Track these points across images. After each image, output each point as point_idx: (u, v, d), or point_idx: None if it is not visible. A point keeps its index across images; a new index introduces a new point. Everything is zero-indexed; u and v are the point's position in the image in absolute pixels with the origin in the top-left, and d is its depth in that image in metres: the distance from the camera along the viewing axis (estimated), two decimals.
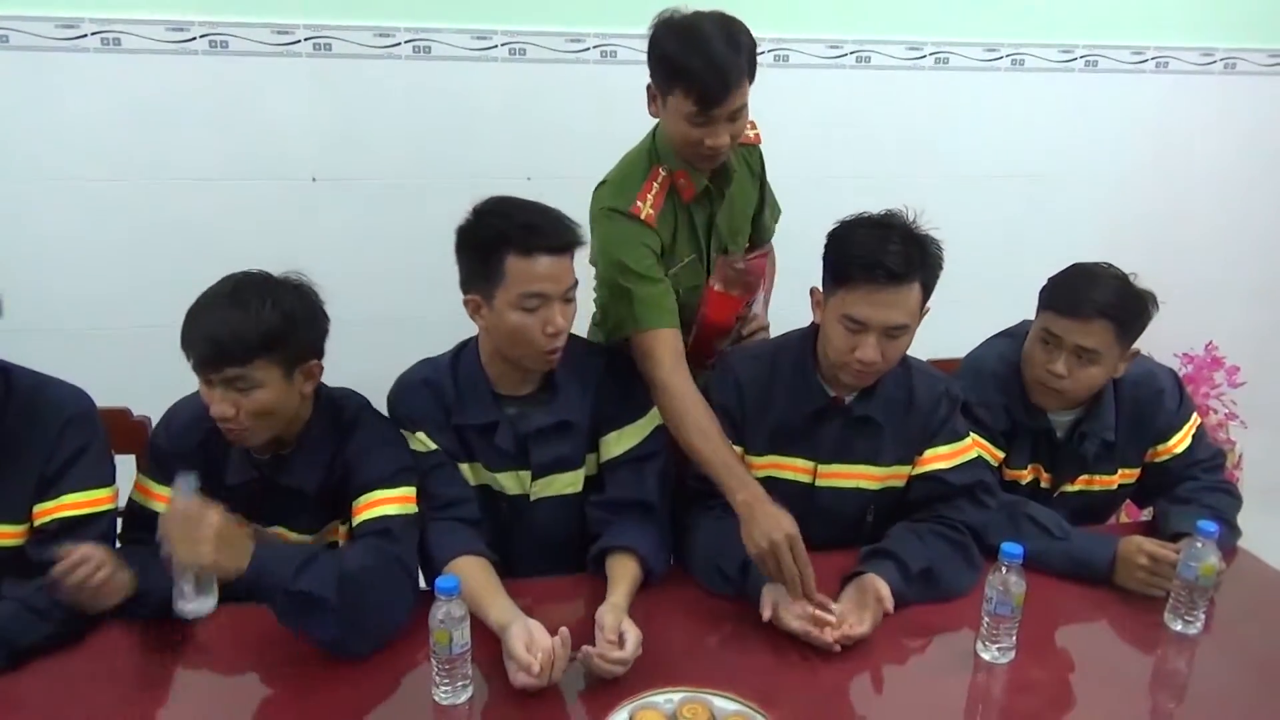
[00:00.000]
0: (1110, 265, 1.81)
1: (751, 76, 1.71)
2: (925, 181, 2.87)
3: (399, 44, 2.52)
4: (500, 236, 1.58)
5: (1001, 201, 3.05)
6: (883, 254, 1.58)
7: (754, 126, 1.98)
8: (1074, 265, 1.83)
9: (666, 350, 1.73)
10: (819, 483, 1.77)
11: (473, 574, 1.55)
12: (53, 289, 2.49)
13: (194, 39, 2.42)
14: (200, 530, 1.34)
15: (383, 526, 1.58)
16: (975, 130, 2.98)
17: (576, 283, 1.63)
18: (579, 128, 2.64)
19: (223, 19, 2.42)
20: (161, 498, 1.60)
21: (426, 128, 2.60)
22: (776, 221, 2.17)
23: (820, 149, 2.85)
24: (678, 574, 1.72)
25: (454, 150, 2.63)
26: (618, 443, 1.74)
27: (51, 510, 1.53)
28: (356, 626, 1.46)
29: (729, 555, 1.62)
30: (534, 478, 1.72)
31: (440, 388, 1.70)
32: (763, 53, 2.58)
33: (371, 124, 2.58)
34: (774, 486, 1.72)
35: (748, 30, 1.72)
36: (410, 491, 1.63)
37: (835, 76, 2.82)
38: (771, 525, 1.51)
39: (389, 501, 1.60)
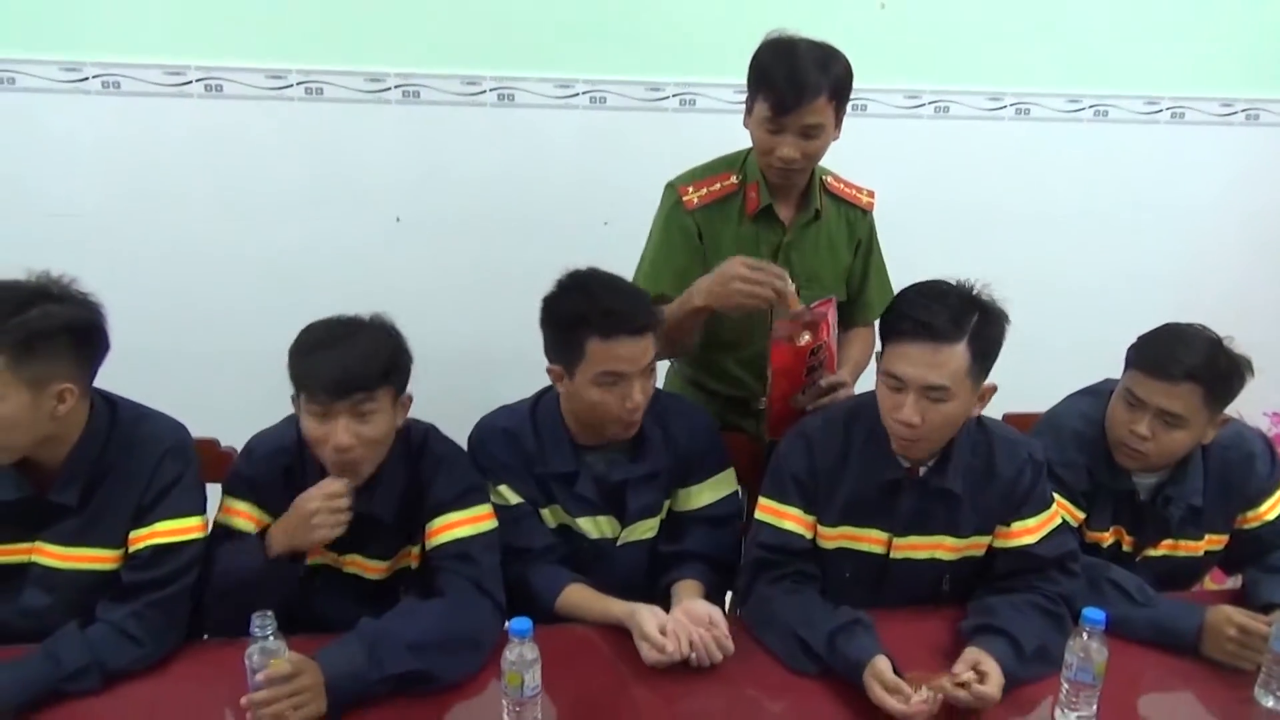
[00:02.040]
0: (1203, 327, 1.75)
1: (835, 100, 1.78)
2: (1002, 234, 2.88)
3: (484, 91, 2.60)
4: (581, 319, 1.63)
5: (1082, 253, 3.00)
6: (927, 311, 1.56)
7: (871, 194, 2.05)
8: (1165, 325, 1.78)
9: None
10: (894, 554, 1.72)
11: (581, 592, 1.66)
12: (139, 312, 2.59)
13: (290, 85, 2.54)
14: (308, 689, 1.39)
15: (460, 550, 1.64)
16: (1055, 181, 2.94)
17: (657, 353, 1.67)
18: (656, 174, 2.68)
19: (318, 67, 2.53)
20: (243, 514, 1.65)
21: (507, 172, 2.66)
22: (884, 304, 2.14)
23: (896, 199, 2.84)
24: None
25: (534, 194, 2.69)
26: (696, 496, 1.77)
27: (145, 537, 1.58)
28: (449, 671, 1.53)
29: (815, 627, 1.59)
30: (625, 524, 1.77)
31: (520, 436, 1.75)
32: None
33: (455, 167, 2.65)
34: (846, 558, 1.72)
35: (845, 61, 1.80)
36: (484, 509, 1.70)
37: (914, 126, 2.82)
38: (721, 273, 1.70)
39: (463, 523, 1.67)
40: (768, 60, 1.77)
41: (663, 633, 1.53)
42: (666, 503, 1.81)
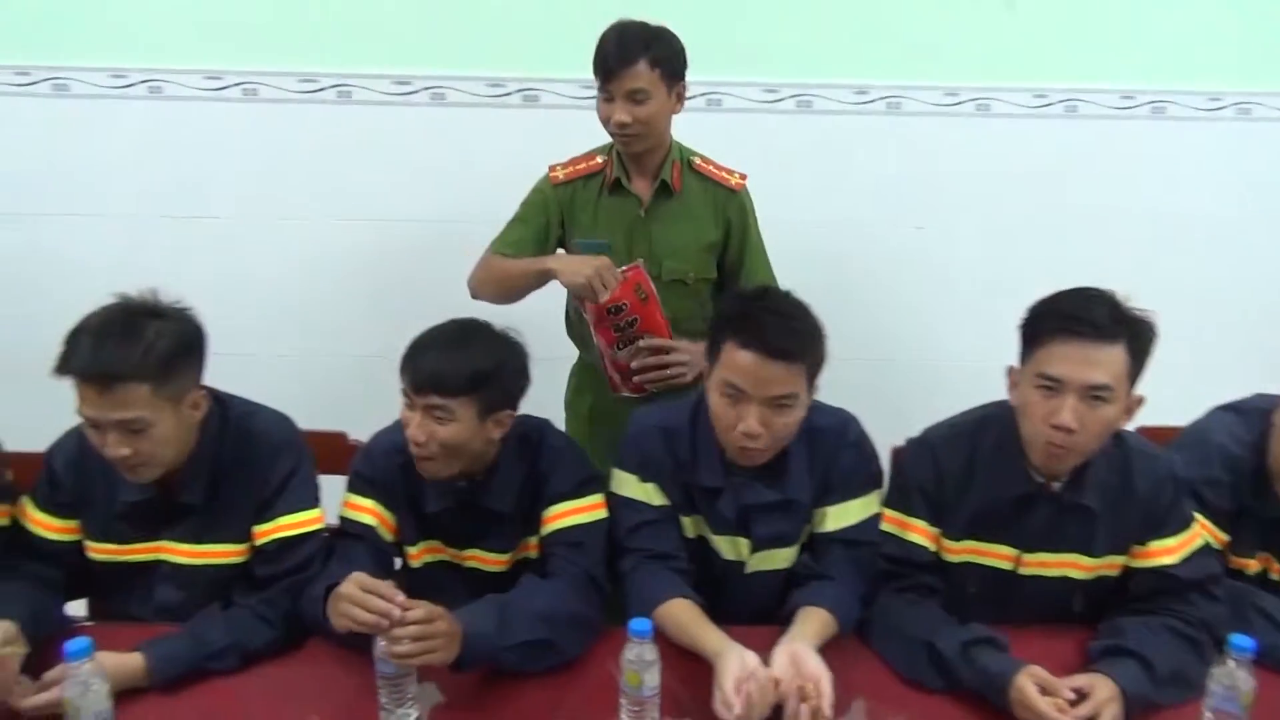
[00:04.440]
0: None
1: (660, 68, 1.94)
2: (1128, 237, 2.77)
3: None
4: (727, 321, 1.62)
5: (1217, 259, 2.84)
6: (1085, 309, 1.50)
7: (743, 177, 2.16)
8: None
9: (481, 263, 2.13)
10: (1022, 570, 1.66)
11: (682, 611, 1.59)
12: (255, 315, 2.73)
13: (416, 92, 2.63)
14: (436, 638, 1.41)
15: (574, 539, 1.67)
16: (1193, 182, 2.80)
17: (795, 396, 1.58)
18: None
19: (441, 72, 2.62)
20: (367, 509, 1.70)
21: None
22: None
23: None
24: None
25: None
26: (835, 518, 1.70)
27: (270, 531, 1.65)
28: (571, 646, 1.58)
29: (946, 637, 1.54)
30: (753, 550, 1.72)
31: (677, 438, 1.72)
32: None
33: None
34: (971, 573, 1.66)
35: (670, 37, 1.99)
36: (597, 499, 1.72)
37: (1040, 126, 2.73)
38: (576, 265, 1.93)
39: (577, 512, 1.69)
40: (600, 39, 1.97)
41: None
42: (807, 528, 1.74)
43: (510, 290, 2.09)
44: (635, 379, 2.08)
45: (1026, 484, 1.62)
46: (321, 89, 2.64)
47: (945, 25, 2.64)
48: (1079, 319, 1.49)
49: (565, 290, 2.06)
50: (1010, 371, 1.63)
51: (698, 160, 2.14)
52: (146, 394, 1.47)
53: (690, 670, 1.52)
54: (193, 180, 2.69)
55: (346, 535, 1.71)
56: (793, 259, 2.67)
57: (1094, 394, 1.49)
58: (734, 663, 1.43)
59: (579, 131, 2.26)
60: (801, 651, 1.45)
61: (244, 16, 2.57)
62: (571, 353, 2.30)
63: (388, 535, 1.71)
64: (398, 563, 1.77)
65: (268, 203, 2.71)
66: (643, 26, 1.98)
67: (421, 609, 1.40)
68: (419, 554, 1.74)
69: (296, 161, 2.68)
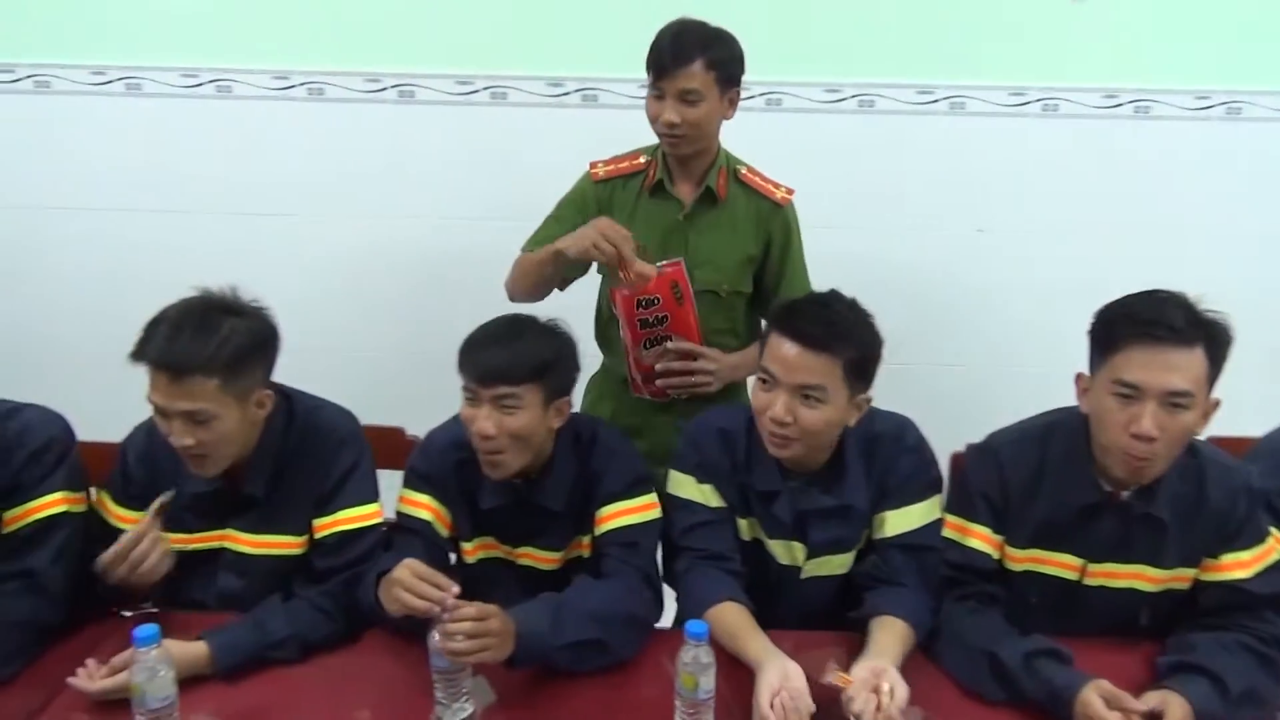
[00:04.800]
0: None
1: (715, 71, 1.87)
2: (1198, 243, 2.68)
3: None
4: (775, 317, 1.63)
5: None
6: (1160, 312, 1.46)
7: (789, 191, 2.07)
8: None
9: (514, 262, 2.03)
10: (1087, 581, 1.62)
11: (731, 615, 1.58)
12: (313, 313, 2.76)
13: (477, 91, 2.65)
14: (492, 633, 1.42)
15: (627, 539, 1.67)
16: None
17: (824, 390, 1.56)
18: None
19: (503, 72, 2.64)
20: (423, 505, 1.71)
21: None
22: None
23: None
24: None
25: None
26: (895, 523, 1.68)
27: (329, 525, 1.68)
28: (624, 647, 1.59)
29: (1008, 647, 1.50)
30: (809, 556, 1.70)
31: (734, 440, 1.72)
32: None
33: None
34: (1034, 582, 1.62)
35: (730, 40, 1.91)
36: (650, 499, 1.72)
37: (1110, 127, 2.66)
38: (582, 231, 1.80)
39: (630, 512, 1.69)
40: (657, 35, 1.90)
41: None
42: (865, 534, 1.72)
43: (533, 284, 1.99)
44: (658, 382, 2.03)
45: (1095, 493, 1.58)
46: (383, 88, 2.68)
47: (1012, 24, 2.59)
48: (1155, 323, 1.45)
49: (599, 289, 2.04)
50: (1079, 378, 1.59)
51: (744, 170, 2.07)
52: (214, 388, 1.51)
53: (744, 675, 1.51)
54: (218, 175, 2.76)
55: (402, 530, 1.72)
56: (851, 260, 2.65)
57: (1173, 400, 1.45)
58: (773, 674, 1.42)
59: (639, 131, 2.27)
60: (884, 671, 1.42)
61: (311, 17, 2.62)
62: (589, 365, 2.24)
63: (443, 530, 1.73)
64: (452, 558, 1.79)
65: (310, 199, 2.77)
66: (702, 26, 1.91)
67: (475, 606, 1.41)
68: (474, 550, 1.76)
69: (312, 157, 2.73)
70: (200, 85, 2.67)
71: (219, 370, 1.51)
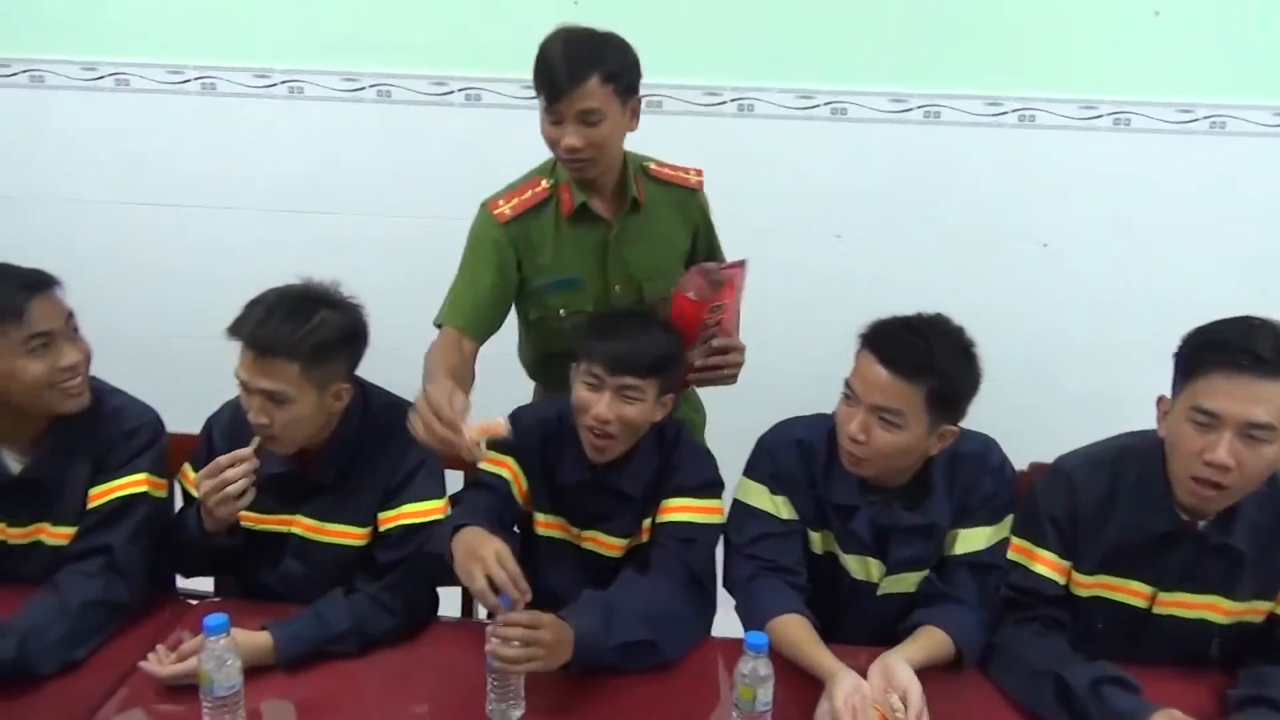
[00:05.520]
0: None
1: (613, 83, 1.69)
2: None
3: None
4: (864, 338, 1.62)
5: None
6: (1248, 340, 1.41)
7: (699, 173, 1.98)
8: None
9: (441, 341, 1.77)
10: (1157, 610, 1.58)
11: (796, 628, 1.57)
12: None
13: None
14: (543, 644, 1.42)
15: (686, 535, 1.69)
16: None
17: (900, 414, 1.54)
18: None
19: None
20: (505, 465, 1.73)
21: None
22: None
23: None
24: None
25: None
26: (964, 541, 1.66)
27: (393, 518, 1.70)
28: (674, 647, 1.60)
29: (1074, 671, 1.48)
30: (886, 573, 1.68)
31: (812, 452, 1.71)
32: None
33: None
34: (1101, 608, 1.60)
35: (620, 45, 1.73)
36: (715, 504, 1.73)
37: (1185, 143, 2.60)
38: (431, 388, 1.48)
39: (696, 510, 1.71)
40: (541, 50, 1.71)
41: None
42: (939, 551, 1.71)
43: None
44: (690, 377, 1.90)
45: (1171, 521, 1.54)
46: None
47: (1084, 36, 2.54)
48: (1242, 350, 1.40)
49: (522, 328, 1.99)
50: (1160, 401, 1.55)
51: (653, 166, 1.94)
52: (295, 372, 1.56)
53: (800, 687, 1.50)
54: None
55: (478, 484, 1.74)
56: (916, 271, 2.65)
57: (1253, 432, 1.40)
58: (848, 684, 1.42)
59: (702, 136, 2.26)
60: (892, 664, 1.45)
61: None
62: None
63: (518, 495, 1.74)
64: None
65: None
66: (590, 36, 1.72)
67: (527, 615, 1.42)
68: (546, 525, 1.78)
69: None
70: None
71: (302, 356, 1.56)
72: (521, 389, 2.10)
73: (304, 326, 1.57)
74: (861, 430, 1.56)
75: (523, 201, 1.84)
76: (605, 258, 1.89)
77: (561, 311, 1.89)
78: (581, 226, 1.87)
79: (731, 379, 1.92)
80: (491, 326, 1.85)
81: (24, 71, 2.79)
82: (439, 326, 1.81)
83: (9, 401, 1.61)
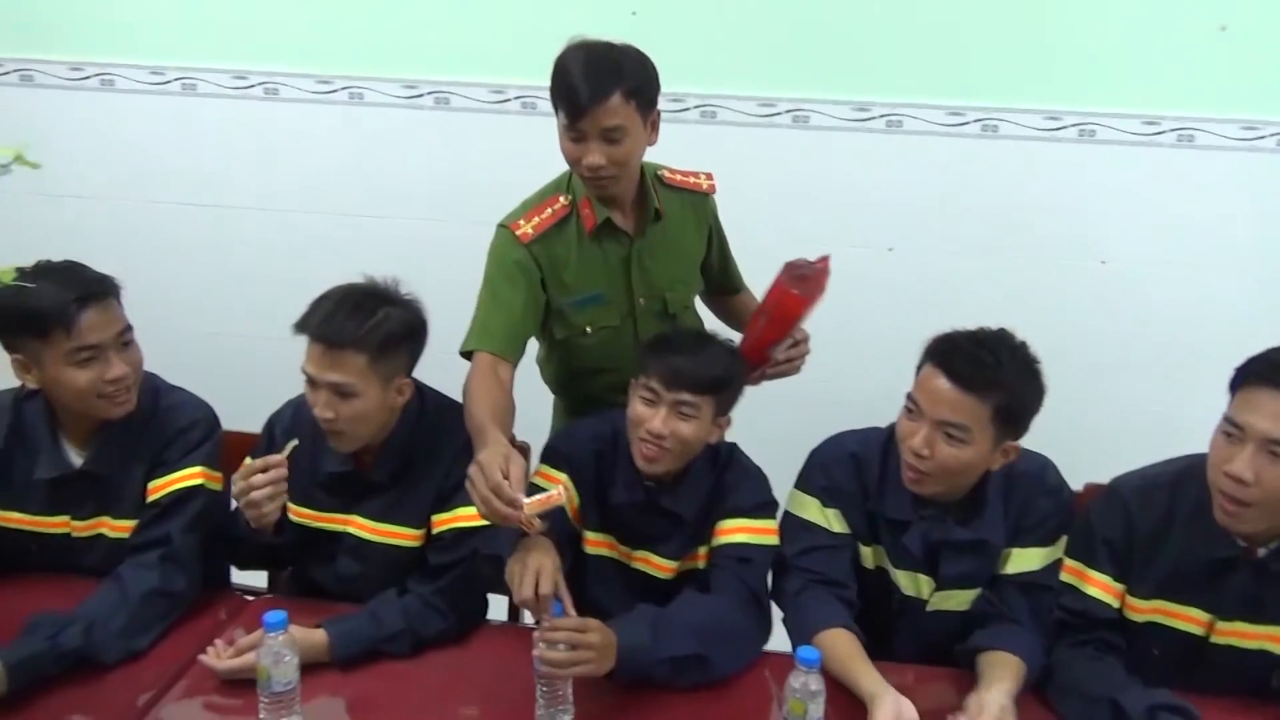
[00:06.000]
0: None
1: (635, 99, 1.67)
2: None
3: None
4: (931, 351, 1.60)
5: None
6: None
7: (710, 177, 1.96)
8: None
9: (477, 369, 1.72)
10: (1215, 639, 1.55)
11: (843, 643, 1.56)
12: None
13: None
14: (590, 647, 1.43)
15: (744, 555, 1.68)
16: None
17: (967, 430, 1.54)
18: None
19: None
20: (558, 480, 1.73)
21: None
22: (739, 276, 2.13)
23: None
24: None
25: None
26: (1017, 561, 1.65)
27: (448, 521, 1.71)
28: (725, 663, 1.59)
29: (1132, 697, 1.46)
30: (936, 589, 1.67)
31: (867, 465, 1.70)
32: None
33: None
34: (1156, 634, 1.57)
35: (640, 58, 1.70)
36: (771, 524, 1.73)
37: (1252, 161, 2.55)
38: (485, 455, 1.43)
39: (751, 531, 1.70)
40: (559, 66, 1.69)
41: None
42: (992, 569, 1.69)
43: None
44: (769, 370, 1.88)
45: (1229, 546, 1.51)
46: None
47: (1147, 51, 2.50)
48: (1277, 367, 1.39)
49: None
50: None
51: (666, 173, 1.92)
52: (362, 365, 1.60)
53: (848, 705, 1.49)
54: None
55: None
56: (969, 286, 2.63)
57: (1274, 448, 1.38)
58: (889, 707, 1.41)
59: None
60: (998, 703, 1.42)
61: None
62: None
63: (570, 513, 1.74)
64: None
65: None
66: (609, 51, 1.69)
67: (575, 620, 1.43)
68: (594, 543, 1.78)
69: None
70: (251, 87, 2.80)
71: (370, 348, 1.60)
72: (538, 397, 2.09)
73: (370, 320, 1.61)
74: (925, 445, 1.55)
75: (544, 220, 1.82)
76: (629, 271, 1.89)
77: (588, 329, 1.89)
78: (604, 242, 1.86)
79: (798, 370, 1.92)
80: (523, 349, 1.82)
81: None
82: (466, 356, 1.76)
83: (59, 401, 1.67)
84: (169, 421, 1.74)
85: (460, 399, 1.70)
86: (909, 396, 1.60)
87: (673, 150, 1.85)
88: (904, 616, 1.70)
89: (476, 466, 1.43)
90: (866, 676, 1.50)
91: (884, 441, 1.69)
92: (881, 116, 2.60)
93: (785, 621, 1.67)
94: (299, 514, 1.76)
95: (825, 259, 1.82)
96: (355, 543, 1.75)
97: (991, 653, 1.55)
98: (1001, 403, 1.53)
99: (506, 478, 1.39)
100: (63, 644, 1.50)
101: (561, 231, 1.83)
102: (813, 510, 1.71)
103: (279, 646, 1.40)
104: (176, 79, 2.82)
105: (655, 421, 1.62)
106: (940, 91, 2.58)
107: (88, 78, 2.85)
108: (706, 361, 1.65)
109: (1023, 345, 1.60)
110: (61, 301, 1.57)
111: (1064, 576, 1.63)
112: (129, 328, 1.68)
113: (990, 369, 1.53)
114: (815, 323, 1.88)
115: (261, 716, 1.42)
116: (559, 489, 1.48)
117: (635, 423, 1.66)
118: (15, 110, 2.89)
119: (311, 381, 1.63)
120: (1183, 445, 1.63)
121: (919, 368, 1.62)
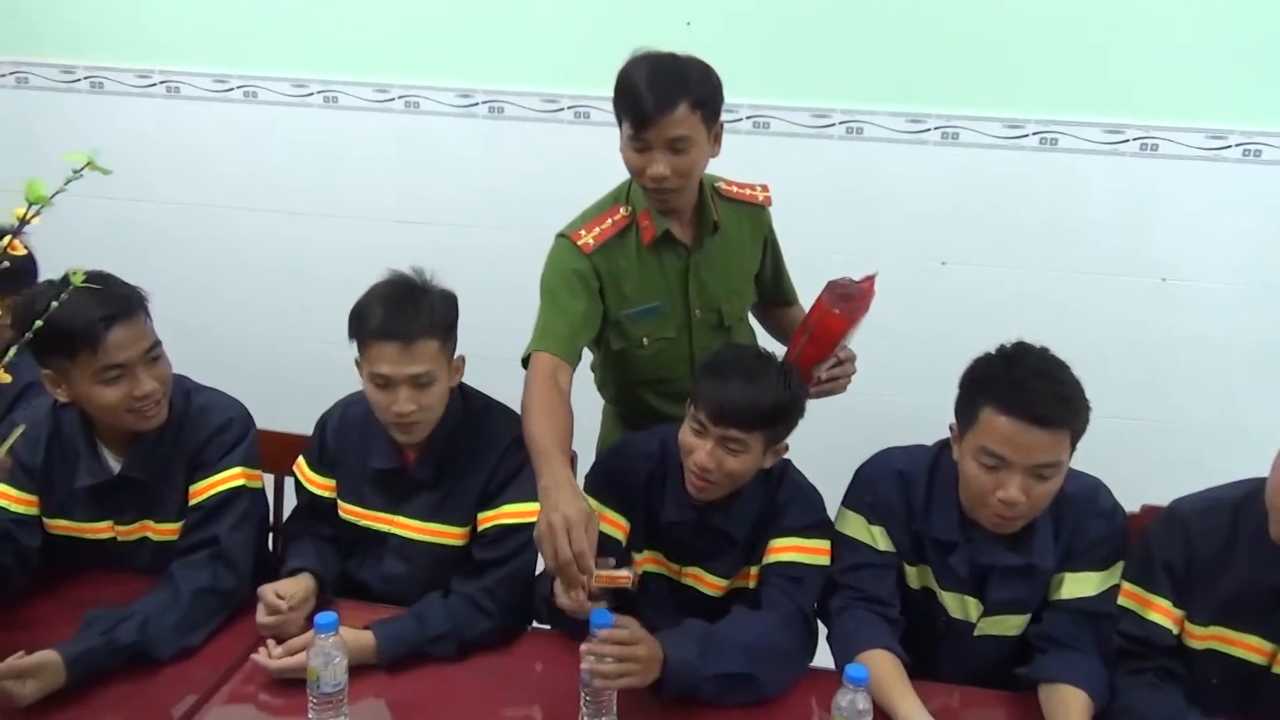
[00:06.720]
0: None
1: (700, 110, 1.67)
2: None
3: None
4: (985, 383, 1.55)
5: None
6: None
7: (765, 189, 1.95)
8: None
9: (537, 373, 1.70)
10: (1277, 669, 1.50)
11: (883, 665, 1.53)
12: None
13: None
14: (638, 659, 1.42)
15: (796, 574, 1.66)
16: None
17: (1059, 464, 1.51)
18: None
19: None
20: (615, 523, 1.72)
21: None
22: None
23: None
24: None
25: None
26: (1072, 586, 1.61)
27: (493, 518, 1.73)
28: (773, 681, 1.57)
29: None
30: (984, 614, 1.65)
31: (913, 483, 1.68)
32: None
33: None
34: (1216, 662, 1.52)
35: (704, 70, 1.71)
36: (823, 544, 1.70)
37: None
38: (552, 506, 1.40)
39: (804, 550, 1.68)
40: (625, 77, 1.69)
41: None
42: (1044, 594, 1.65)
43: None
44: (814, 389, 1.83)
45: None
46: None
47: (1211, 63, 2.45)
48: None
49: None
50: None
51: (722, 185, 1.92)
52: (435, 350, 1.66)
53: None
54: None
55: None
56: (1022, 301, 2.59)
57: None
58: None
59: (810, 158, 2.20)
60: None
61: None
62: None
63: (622, 539, 1.72)
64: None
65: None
66: (675, 61, 1.69)
67: (624, 631, 1.42)
68: (642, 561, 1.77)
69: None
70: (310, 95, 2.85)
71: (438, 332, 1.66)
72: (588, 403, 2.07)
73: (427, 305, 1.67)
74: (1022, 493, 1.49)
75: (604, 230, 1.82)
76: (686, 283, 1.88)
77: (645, 340, 1.89)
78: (662, 253, 1.86)
79: (844, 389, 1.90)
80: (581, 355, 1.82)
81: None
82: (524, 363, 1.75)
83: (92, 413, 1.68)
84: (203, 422, 1.75)
85: (510, 405, 1.72)
86: (987, 451, 1.50)
87: (724, 160, 1.84)
88: (951, 639, 1.67)
89: (560, 519, 1.39)
90: (905, 701, 1.47)
91: (931, 460, 1.67)
92: (937, 129, 2.57)
93: (828, 639, 1.65)
94: (348, 511, 1.79)
95: (871, 279, 1.80)
96: (401, 543, 1.77)
97: (1058, 688, 1.51)
98: (1080, 425, 1.52)
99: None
100: (118, 639, 1.53)
101: (622, 242, 1.83)
102: (858, 527, 1.69)
103: (329, 648, 1.42)
104: (239, 86, 2.88)
105: (701, 454, 1.59)
106: (998, 103, 2.55)
107: (153, 83, 2.92)
108: (757, 392, 1.58)
109: (1060, 360, 1.56)
110: (89, 321, 1.55)
111: (1123, 601, 1.59)
112: (157, 343, 1.66)
113: (1065, 400, 1.50)
114: (866, 335, 1.86)
115: (310, 716, 1.44)
116: (630, 574, 1.47)
117: (685, 451, 1.64)
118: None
119: (386, 381, 1.64)
120: (1245, 469, 1.58)
121: (969, 406, 1.55)
